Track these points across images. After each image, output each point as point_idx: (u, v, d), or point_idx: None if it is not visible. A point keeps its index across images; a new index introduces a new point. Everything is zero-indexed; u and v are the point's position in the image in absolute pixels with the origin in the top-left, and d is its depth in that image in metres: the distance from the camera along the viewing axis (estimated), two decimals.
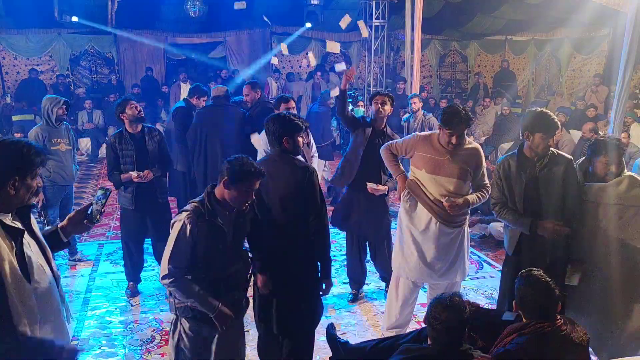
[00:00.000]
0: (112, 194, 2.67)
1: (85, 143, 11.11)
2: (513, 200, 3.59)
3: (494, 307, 4.19)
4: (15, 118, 10.60)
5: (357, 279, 4.90)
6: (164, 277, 2.78)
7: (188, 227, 2.74)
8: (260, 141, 4.68)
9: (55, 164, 5.24)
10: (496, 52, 15.67)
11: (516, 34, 14.83)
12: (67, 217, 2.48)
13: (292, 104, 4.71)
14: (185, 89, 10.62)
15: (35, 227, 2.28)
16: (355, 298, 4.87)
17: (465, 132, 3.72)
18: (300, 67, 13.97)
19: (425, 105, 10.44)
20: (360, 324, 4.50)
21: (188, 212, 2.78)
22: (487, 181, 3.86)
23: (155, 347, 4.11)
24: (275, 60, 10.53)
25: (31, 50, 12.50)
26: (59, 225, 2.46)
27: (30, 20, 11.72)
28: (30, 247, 2.18)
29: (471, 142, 3.85)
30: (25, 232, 2.17)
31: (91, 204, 2.45)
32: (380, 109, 4.61)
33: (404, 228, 3.97)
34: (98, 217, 2.44)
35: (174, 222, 2.81)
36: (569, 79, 14.82)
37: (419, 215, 3.88)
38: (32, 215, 2.28)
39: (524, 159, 3.56)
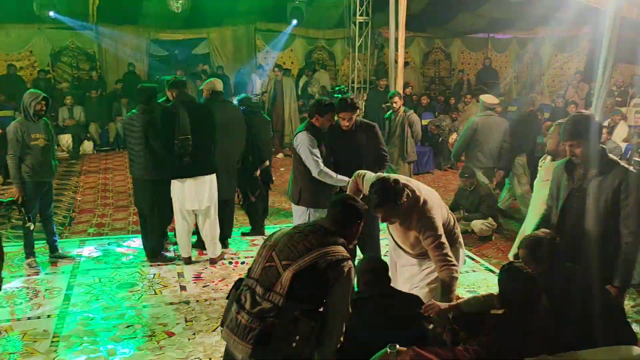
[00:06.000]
0: None
1: (66, 139, 10.99)
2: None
3: None
4: None
5: None
6: None
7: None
8: None
9: (34, 160, 5.18)
10: (479, 49, 15.78)
11: (499, 32, 14.95)
12: None
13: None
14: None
15: None
16: None
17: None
18: (284, 63, 13.93)
19: (409, 102, 10.50)
20: None
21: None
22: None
23: (138, 343, 4.07)
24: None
25: (11, 45, 12.28)
26: None
27: (10, 15, 11.54)
28: None
29: None
30: None
31: None
32: (345, 124, 4.51)
33: None
34: None
35: (346, 274, 2.47)
36: (550, 77, 14.97)
37: None
38: None
39: (572, 165, 3.29)
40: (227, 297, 2.71)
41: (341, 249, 2.52)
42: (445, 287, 3.12)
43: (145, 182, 5.42)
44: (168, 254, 5.72)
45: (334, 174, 4.35)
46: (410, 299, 3.04)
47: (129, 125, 5.43)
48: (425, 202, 3.25)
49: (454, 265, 3.17)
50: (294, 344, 2.37)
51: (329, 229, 2.58)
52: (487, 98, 7.00)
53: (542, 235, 2.96)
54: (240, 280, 2.68)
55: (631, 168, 3.16)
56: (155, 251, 5.60)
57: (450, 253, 3.20)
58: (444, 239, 3.20)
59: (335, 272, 2.43)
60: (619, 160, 3.21)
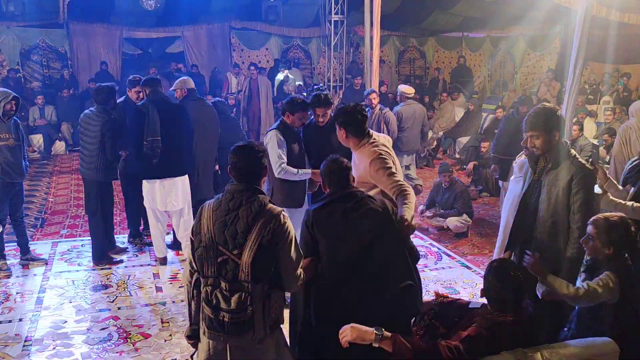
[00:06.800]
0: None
1: (37, 140, 10.77)
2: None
3: (454, 296, 4.26)
4: None
5: None
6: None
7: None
8: None
9: (4, 160, 5.06)
10: (453, 48, 15.94)
11: (472, 30, 15.11)
12: None
13: None
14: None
15: None
16: None
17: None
18: (260, 62, 13.88)
19: (385, 100, 10.54)
20: None
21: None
22: None
23: (113, 346, 4.02)
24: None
25: None
26: None
27: None
28: None
29: None
30: None
31: None
32: (320, 120, 4.55)
33: None
34: None
35: (283, 226, 2.54)
36: (523, 75, 15.19)
37: None
38: None
39: (534, 157, 3.34)
40: (192, 298, 2.66)
41: (270, 206, 2.56)
42: (404, 202, 3.25)
43: (93, 182, 5.36)
44: (115, 256, 5.62)
45: (294, 170, 4.34)
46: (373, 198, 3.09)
47: (84, 123, 5.29)
48: (381, 149, 3.51)
49: (407, 186, 3.40)
50: (273, 314, 2.54)
51: (246, 193, 2.57)
52: (405, 89, 7.64)
53: (617, 218, 2.87)
54: (198, 280, 2.62)
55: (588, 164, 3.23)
56: (100, 254, 5.51)
57: (403, 180, 3.45)
58: (394, 170, 3.46)
59: (278, 232, 2.51)
60: (577, 155, 3.24)
